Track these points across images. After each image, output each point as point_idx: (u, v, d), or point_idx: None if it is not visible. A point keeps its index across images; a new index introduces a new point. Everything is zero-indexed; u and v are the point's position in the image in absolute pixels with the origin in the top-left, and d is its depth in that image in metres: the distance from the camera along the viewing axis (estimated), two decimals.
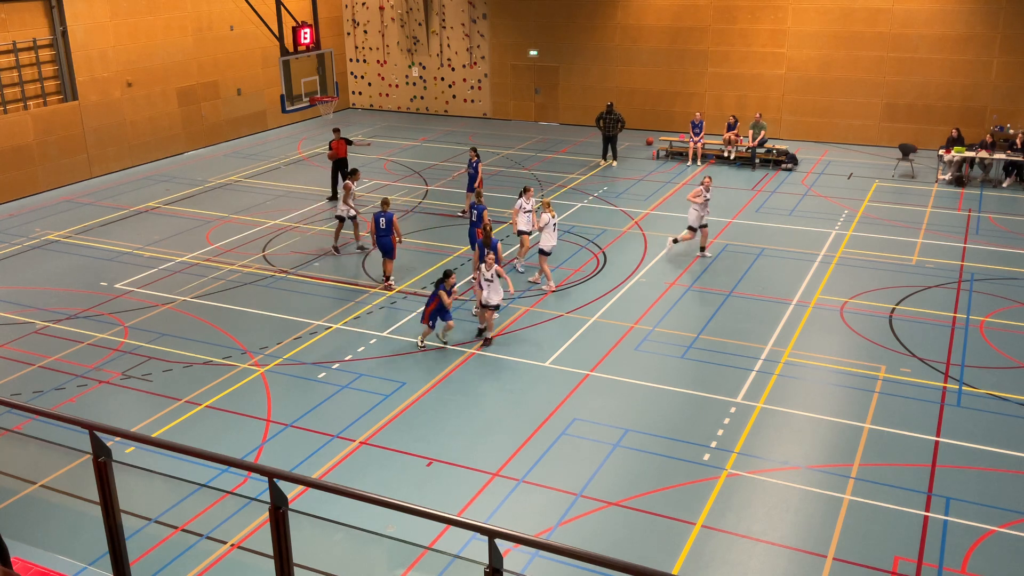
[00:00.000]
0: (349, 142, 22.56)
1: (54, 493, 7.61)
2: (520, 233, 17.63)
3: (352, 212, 18.69)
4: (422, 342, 14.38)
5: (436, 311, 14.05)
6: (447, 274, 14.02)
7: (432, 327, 14.26)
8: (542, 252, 16.54)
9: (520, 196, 17.67)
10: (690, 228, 18.08)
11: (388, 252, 16.55)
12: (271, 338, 14.79)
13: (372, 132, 30.44)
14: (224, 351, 14.39)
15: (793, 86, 28.03)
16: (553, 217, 16.52)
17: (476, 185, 20.27)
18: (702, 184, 18.06)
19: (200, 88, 28.45)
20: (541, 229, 16.53)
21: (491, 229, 15.47)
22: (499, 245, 15.27)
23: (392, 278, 16.83)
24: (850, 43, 26.91)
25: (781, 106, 28.34)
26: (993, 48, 25.55)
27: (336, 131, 22.81)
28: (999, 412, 12.24)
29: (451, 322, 14.31)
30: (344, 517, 5.25)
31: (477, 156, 20.96)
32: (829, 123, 27.96)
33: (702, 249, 18.29)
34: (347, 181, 18.87)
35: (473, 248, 17.29)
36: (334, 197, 22.81)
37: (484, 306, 14.45)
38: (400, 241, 16.75)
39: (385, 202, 16.72)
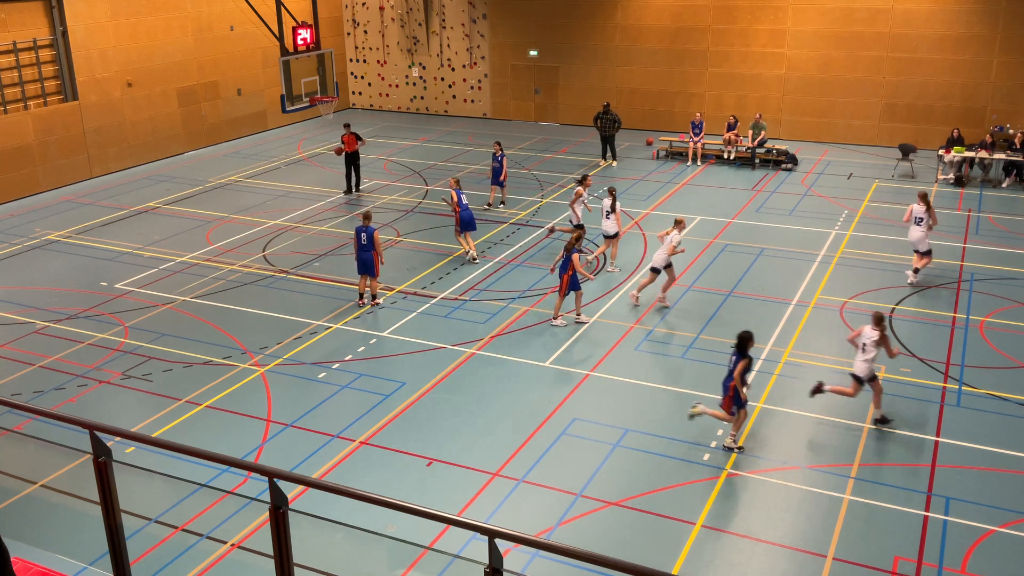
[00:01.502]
0: (359, 137, 22.79)
1: (54, 493, 7.62)
2: (612, 236, 17.42)
3: (578, 220, 17.96)
4: None
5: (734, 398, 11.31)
6: (743, 338, 11.21)
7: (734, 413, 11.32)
8: (653, 270, 15.66)
9: (606, 197, 17.47)
10: (920, 253, 16.45)
11: (368, 269, 15.63)
12: (271, 338, 14.79)
13: (372, 132, 30.43)
14: (224, 351, 14.40)
15: (793, 86, 28.02)
16: (680, 238, 15.52)
17: (501, 178, 21.25)
18: (921, 201, 16.18)
19: (200, 88, 28.45)
20: (674, 250, 15.37)
21: (578, 238, 15.08)
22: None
23: (378, 297, 16.09)
24: (850, 43, 26.91)
25: (781, 106, 28.33)
26: (993, 48, 25.55)
27: (347, 126, 23.24)
28: (999, 412, 12.24)
29: None
30: (344, 517, 5.25)
31: (502, 150, 21.43)
32: (829, 123, 27.95)
33: (915, 271, 16.54)
34: (579, 187, 18.09)
35: (461, 232, 17.81)
36: (349, 191, 23.18)
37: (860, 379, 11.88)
38: (382, 262, 15.82)
39: (366, 216, 15.81)
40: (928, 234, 16.31)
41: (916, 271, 16.56)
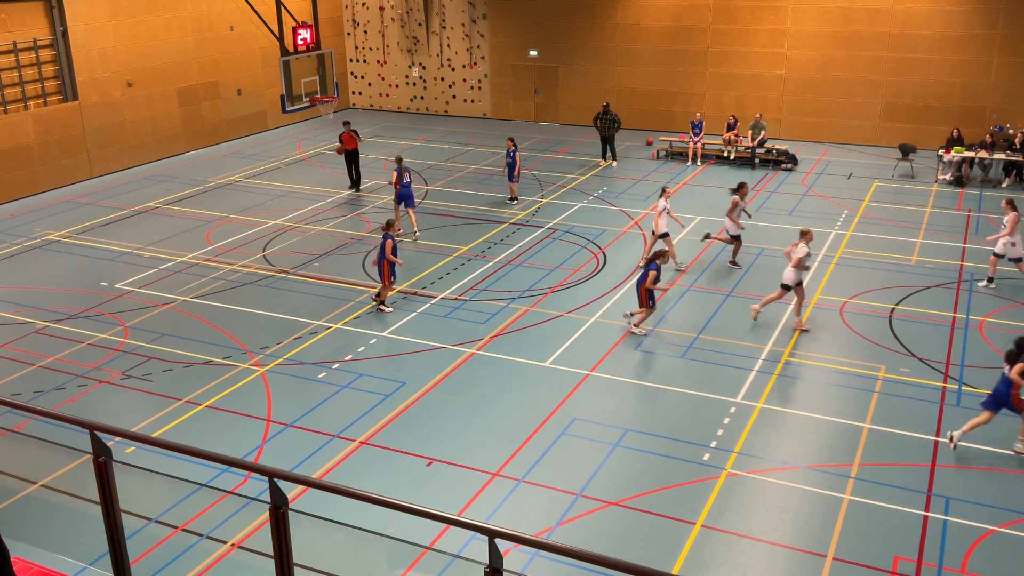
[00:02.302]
0: (357, 135, 22.94)
1: (54, 493, 7.61)
2: (662, 235, 17.15)
3: (738, 230, 17.32)
4: None
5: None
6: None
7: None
8: (783, 287, 14.61)
9: (660, 196, 17.34)
10: (1010, 259, 16.14)
11: (380, 275, 15.63)
12: (271, 338, 14.79)
13: (372, 132, 30.44)
14: (224, 351, 14.40)
15: (793, 86, 28.02)
16: (808, 250, 14.51)
17: (515, 174, 21.63)
18: (1011, 207, 15.89)
19: (200, 88, 28.45)
20: (800, 263, 14.38)
21: (661, 253, 14.46)
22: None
23: (386, 304, 15.77)
24: (850, 43, 26.91)
25: (781, 106, 28.33)
26: (993, 48, 25.55)
27: (346, 124, 23.39)
28: (999, 412, 12.21)
29: None
30: (344, 517, 5.25)
31: (515, 146, 21.70)
32: (829, 123, 27.96)
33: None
34: (735, 196, 17.24)
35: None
36: (353, 187, 23.37)
37: None
38: (394, 273, 15.56)
39: (388, 224, 15.67)
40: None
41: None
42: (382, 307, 15.76)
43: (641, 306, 14.60)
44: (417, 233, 19.64)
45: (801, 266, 14.45)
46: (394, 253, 15.42)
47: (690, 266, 17.70)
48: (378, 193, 23.21)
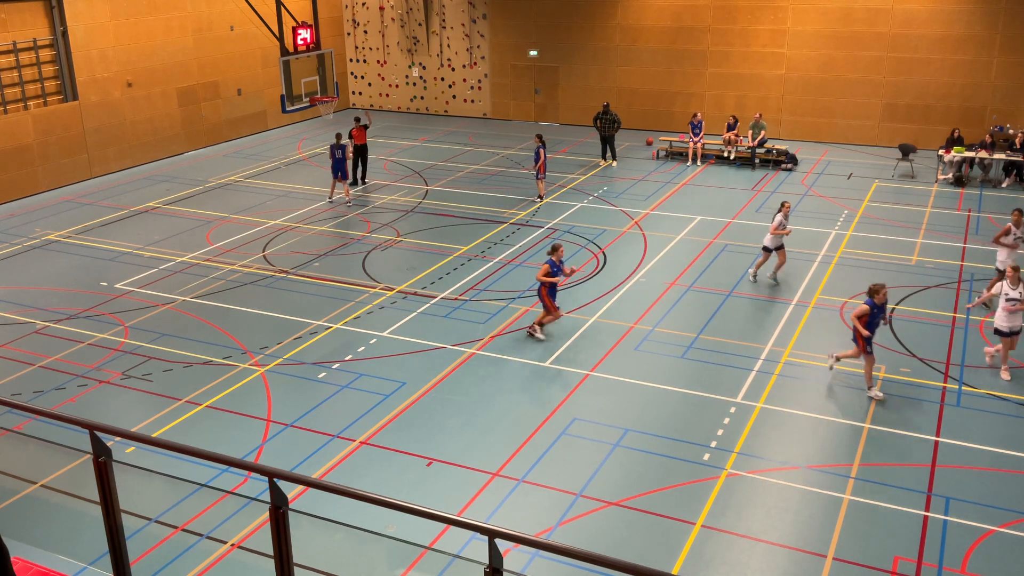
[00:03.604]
0: (367, 127, 23.63)
1: (54, 493, 7.61)
2: (765, 249, 16.55)
3: (1008, 260, 15.14)
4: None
5: None
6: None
7: None
8: (998, 332, 13.13)
9: (778, 211, 16.58)
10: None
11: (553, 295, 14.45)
12: (271, 338, 14.79)
13: (372, 132, 30.42)
14: (224, 351, 14.40)
15: (793, 86, 28.02)
16: (1005, 289, 12.87)
17: (539, 171, 21.74)
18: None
19: (200, 88, 28.45)
20: (988, 300, 13.59)
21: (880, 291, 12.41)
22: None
23: (541, 330, 14.56)
24: (850, 43, 26.91)
25: (781, 106, 28.33)
26: (993, 48, 25.55)
27: (357, 120, 23.67)
28: (999, 412, 12.24)
29: None
30: (344, 517, 5.25)
31: (541, 142, 21.82)
32: (829, 123, 27.96)
33: None
34: (1009, 223, 15.50)
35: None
36: (355, 183, 23.67)
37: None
38: (551, 300, 14.31)
39: (553, 248, 14.39)
40: None
41: None
42: (533, 331, 14.50)
43: (861, 349, 12.56)
44: (349, 202, 22.04)
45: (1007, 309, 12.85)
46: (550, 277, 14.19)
47: (690, 266, 17.69)
48: (379, 193, 23.21)
